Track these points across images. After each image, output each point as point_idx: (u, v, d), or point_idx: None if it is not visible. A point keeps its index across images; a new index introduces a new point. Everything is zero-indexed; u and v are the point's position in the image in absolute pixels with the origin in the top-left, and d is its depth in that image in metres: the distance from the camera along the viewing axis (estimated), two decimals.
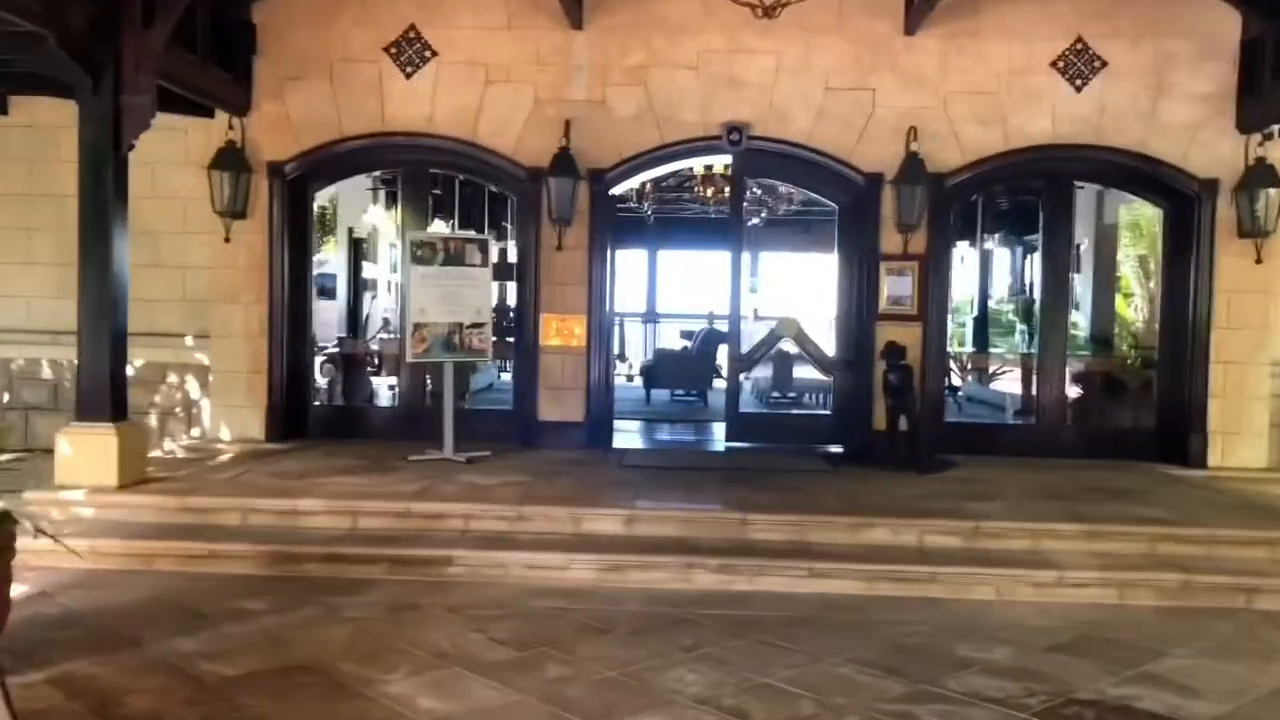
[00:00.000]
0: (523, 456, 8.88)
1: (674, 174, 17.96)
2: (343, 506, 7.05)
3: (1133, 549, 6.68)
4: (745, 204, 12.79)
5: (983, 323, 15.43)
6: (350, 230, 14.50)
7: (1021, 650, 5.32)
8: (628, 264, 22.55)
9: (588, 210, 9.36)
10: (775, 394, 13.74)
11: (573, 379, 9.44)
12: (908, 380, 8.90)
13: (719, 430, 10.44)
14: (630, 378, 16.73)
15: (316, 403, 10.31)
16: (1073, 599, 6.22)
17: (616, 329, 14.32)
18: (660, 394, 14.25)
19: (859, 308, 9.43)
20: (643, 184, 16.18)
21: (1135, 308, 13.38)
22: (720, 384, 14.74)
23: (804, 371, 12.30)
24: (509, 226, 13.28)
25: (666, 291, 23.33)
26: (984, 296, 16.11)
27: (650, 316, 22.53)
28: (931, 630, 5.62)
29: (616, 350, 14.64)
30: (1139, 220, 13.18)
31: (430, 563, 6.45)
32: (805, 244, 21.33)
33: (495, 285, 14.01)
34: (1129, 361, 11.13)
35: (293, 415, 9.66)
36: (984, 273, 16.29)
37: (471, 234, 9.30)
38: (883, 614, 5.91)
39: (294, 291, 9.67)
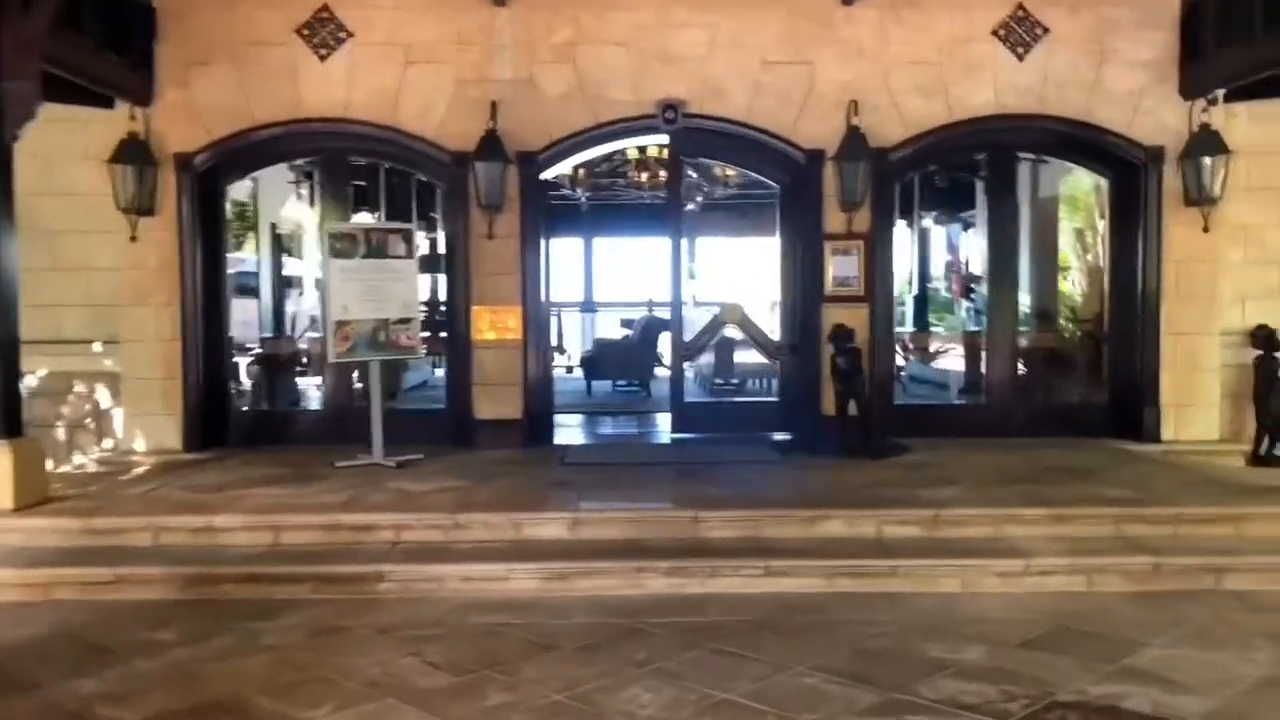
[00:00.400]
0: (458, 458, 8.41)
1: (608, 159, 17.53)
2: (263, 521, 6.53)
3: (1098, 532, 6.42)
4: (682, 187, 12.40)
5: (922, 302, 15.27)
6: (274, 226, 13.87)
7: (994, 648, 5.01)
8: (563, 253, 22.08)
9: (518, 196, 8.90)
10: (719, 380, 13.41)
11: (508, 374, 8.98)
12: (856, 364, 8.58)
13: (664, 421, 10.06)
14: (570, 369, 16.31)
15: (241, 408, 9.77)
16: (1040, 588, 5.94)
17: (554, 320, 13.87)
18: (602, 385, 13.86)
19: (804, 290, 9.10)
20: (576, 169, 15.73)
21: (1073, 281, 13.26)
22: (663, 373, 14.39)
23: (748, 357, 11.97)
24: (438, 217, 12.76)
25: (604, 280, 22.85)
26: (923, 275, 15.96)
27: (588, 306, 22.07)
28: (898, 630, 5.29)
29: (554, 342, 14.16)
30: (1074, 193, 13.06)
31: (359, 579, 5.98)
32: (744, 228, 21.00)
33: (427, 278, 13.52)
34: (1069, 335, 10.93)
35: (212, 423, 9.09)
36: (922, 251, 16.15)
37: (394, 224, 8.76)
38: (845, 613, 5.57)
39: (208, 291, 9.09)
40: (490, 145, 8.62)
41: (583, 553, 6.17)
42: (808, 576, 5.97)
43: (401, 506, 6.76)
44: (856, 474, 7.67)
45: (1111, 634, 5.19)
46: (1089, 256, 13.05)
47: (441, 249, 11.57)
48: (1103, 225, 12.51)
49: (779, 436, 9.27)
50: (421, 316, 8.53)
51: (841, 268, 8.73)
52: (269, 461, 8.30)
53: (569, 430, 10.33)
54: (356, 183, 13.45)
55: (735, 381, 13.64)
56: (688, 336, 9.80)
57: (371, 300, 8.16)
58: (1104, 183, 9.57)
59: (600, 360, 13.57)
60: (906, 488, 7.15)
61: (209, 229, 9.10)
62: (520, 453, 8.67)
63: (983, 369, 9.75)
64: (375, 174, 12.05)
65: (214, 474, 7.89)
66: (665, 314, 12.77)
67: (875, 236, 8.80)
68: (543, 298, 9.26)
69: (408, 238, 8.35)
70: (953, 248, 17.06)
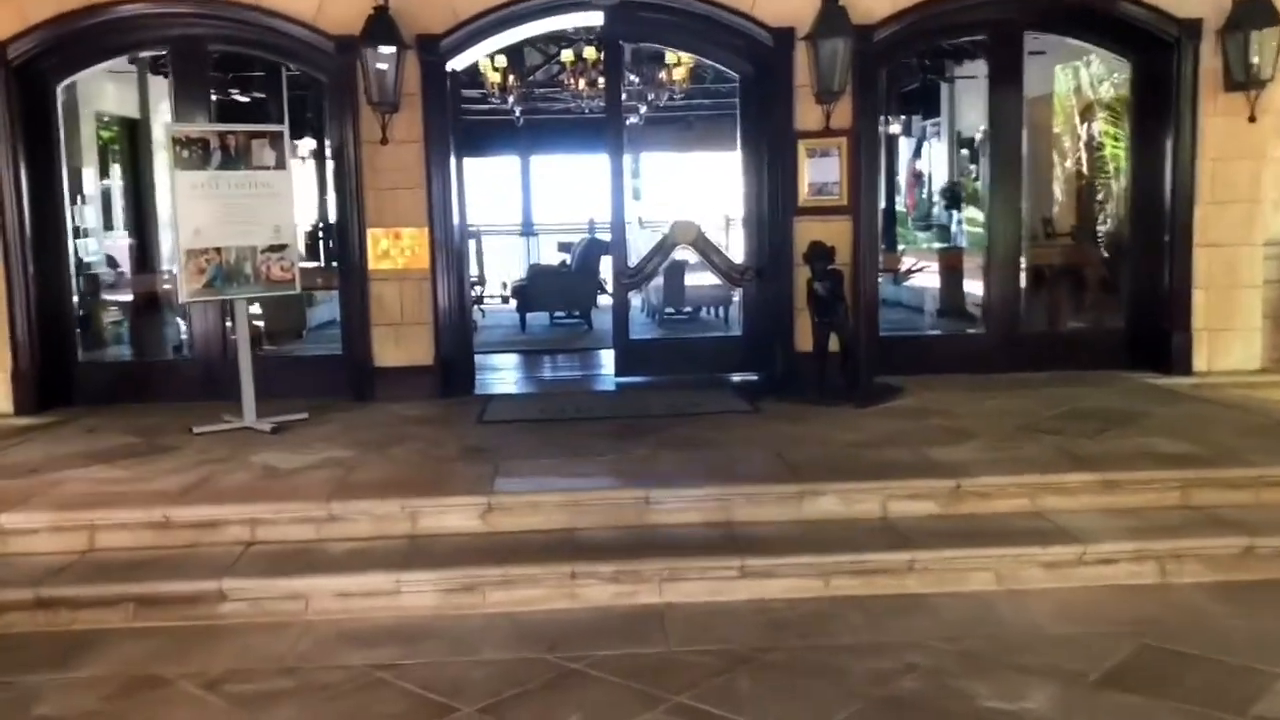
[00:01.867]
0: (352, 416, 6.82)
1: (543, 67, 15.83)
2: (75, 519, 4.91)
3: (1161, 501, 5.01)
4: (624, 93, 10.71)
5: (890, 216, 13.81)
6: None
7: (1067, 688, 3.59)
8: (500, 172, 20.45)
9: (419, 90, 7.20)
10: (669, 311, 11.91)
11: (414, 311, 7.35)
12: (838, 289, 7.07)
13: (608, 360, 8.50)
14: (506, 299, 14.66)
15: (92, 360, 8.09)
16: (1100, 581, 4.53)
17: (476, 244, 12.21)
18: (539, 318, 12.23)
19: (772, 202, 7.53)
20: (505, 77, 13.95)
21: (1059, 189, 11.84)
22: (607, 302, 12.83)
23: (702, 281, 10.46)
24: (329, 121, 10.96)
25: (545, 202, 21.20)
26: (890, 186, 14.53)
27: (528, 229, 20.37)
28: (929, 661, 3.84)
29: (478, 271, 12.48)
30: (1070, 86, 11.61)
31: (193, 600, 4.42)
32: (694, 142, 19.70)
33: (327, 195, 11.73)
34: (1076, 250, 9.49)
35: (52, 378, 7.39)
36: (889, 159, 14.71)
37: (259, 125, 6.99)
38: (852, 632, 4.13)
39: (40, 217, 7.33)
40: (380, 26, 6.87)
41: (499, 552, 4.64)
42: (798, 577, 4.51)
43: (263, 492, 5.17)
44: (845, 427, 6.20)
45: (1216, 655, 3.80)
46: (1066, 164, 11.63)
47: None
48: (1087, 129, 11.12)
49: (744, 378, 7.79)
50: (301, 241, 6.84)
51: (819, 172, 7.15)
52: (118, 427, 6.66)
53: (495, 375, 8.74)
54: (257, 95, 11.65)
55: (689, 310, 12.16)
56: (633, 261, 8.22)
57: (234, 222, 6.46)
58: (1095, 69, 8.01)
59: (535, 290, 11.92)
60: (911, 445, 5.69)
61: (35, 139, 7.31)
62: (431, 406, 7.10)
63: (978, 292, 8.29)
64: (275, 77, 10.25)
65: (39, 447, 6.23)
66: (608, 236, 11.32)
67: (859, 133, 7.21)
68: (456, 217, 7.59)
69: (278, 142, 6.60)
70: (914, 157, 15.62)
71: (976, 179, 12.37)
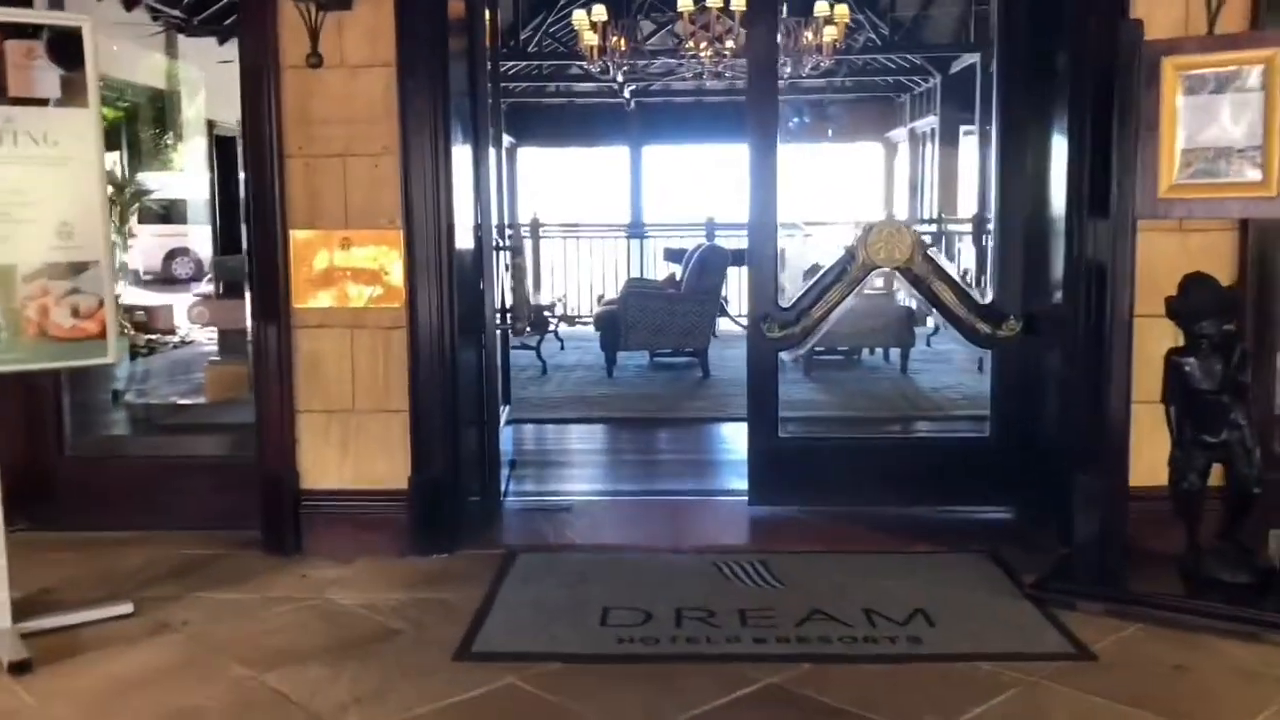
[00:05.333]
0: (227, 609, 3.38)
1: (658, 32, 12.67)
2: None
3: None
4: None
5: None
6: (211, 124, 9.65)
7: None
8: (608, 165, 18.19)
9: None
10: (820, 350, 8.26)
11: (377, 387, 3.89)
12: (1236, 375, 3.34)
13: (735, 442, 4.79)
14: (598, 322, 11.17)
15: None
16: None
17: (528, 251, 8.81)
18: (634, 358, 8.64)
19: (1073, 190, 3.81)
20: (606, 37, 10.63)
21: None
22: (731, 327, 9.27)
23: (869, 303, 6.85)
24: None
25: (656, 199, 18.40)
26: None
27: (637, 230, 17.03)
28: None
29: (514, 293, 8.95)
30: None
31: None
32: (849, 130, 16.58)
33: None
34: None
35: None
36: None
37: (24, 11, 3.59)
38: None
39: None
40: None
41: None
42: None
43: None
44: None
45: None
46: None
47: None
48: None
49: (998, 516, 4.15)
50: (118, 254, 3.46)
51: (1210, 126, 3.32)
52: None
53: (544, 476, 5.20)
54: None
55: (843, 350, 8.53)
56: (789, 295, 4.59)
57: None
58: None
59: (629, 319, 8.23)
60: None
61: None
62: (391, 581, 3.61)
63: None
64: None
65: None
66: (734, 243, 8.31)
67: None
68: (464, 214, 4.10)
69: (64, 51, 3.17)
70: None
71: None
